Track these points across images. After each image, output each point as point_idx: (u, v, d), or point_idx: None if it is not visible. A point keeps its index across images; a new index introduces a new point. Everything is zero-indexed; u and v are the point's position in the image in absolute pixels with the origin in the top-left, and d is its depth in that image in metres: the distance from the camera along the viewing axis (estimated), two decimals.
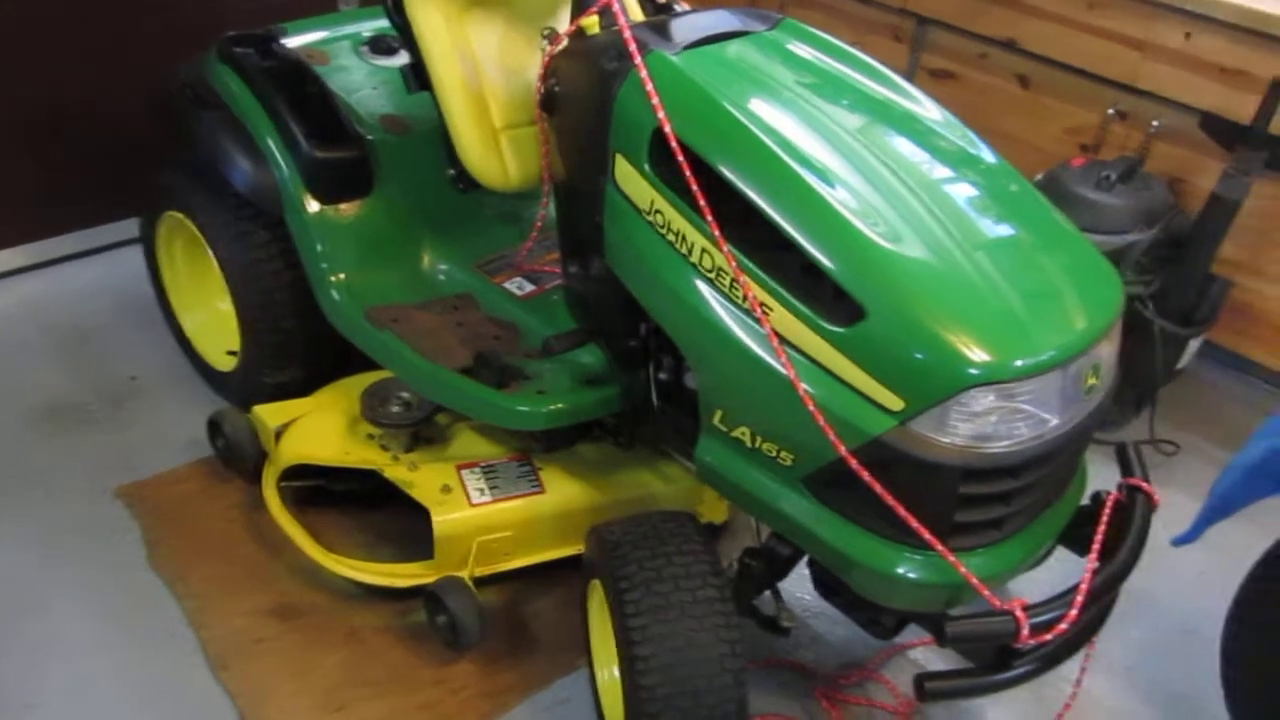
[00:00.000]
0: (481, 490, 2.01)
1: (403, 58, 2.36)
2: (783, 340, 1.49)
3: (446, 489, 2.00)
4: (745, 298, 1.50)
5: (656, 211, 1.61)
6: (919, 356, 1.39)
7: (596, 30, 1.77)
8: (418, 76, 2.03)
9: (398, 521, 2.12)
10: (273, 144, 2.09)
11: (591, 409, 1.91)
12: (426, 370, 1.97)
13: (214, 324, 2.45)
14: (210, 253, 2.26)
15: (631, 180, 1.64)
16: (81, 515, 2.18)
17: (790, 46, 1.78)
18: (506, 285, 2.16)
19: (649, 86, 1.58)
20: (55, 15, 2.65)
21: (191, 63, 2.31)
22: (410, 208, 2.18)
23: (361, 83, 2.26)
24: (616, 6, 1.68)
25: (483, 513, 1.98)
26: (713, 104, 1.58)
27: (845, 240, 1.45)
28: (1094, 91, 2.74)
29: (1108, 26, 2.67)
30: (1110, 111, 2.71)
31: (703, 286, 1.58)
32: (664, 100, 1.57)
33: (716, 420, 1.64)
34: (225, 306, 2.43)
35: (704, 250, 1.56)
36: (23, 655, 1.92)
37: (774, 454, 1.56)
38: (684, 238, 1.58)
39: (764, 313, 1.50)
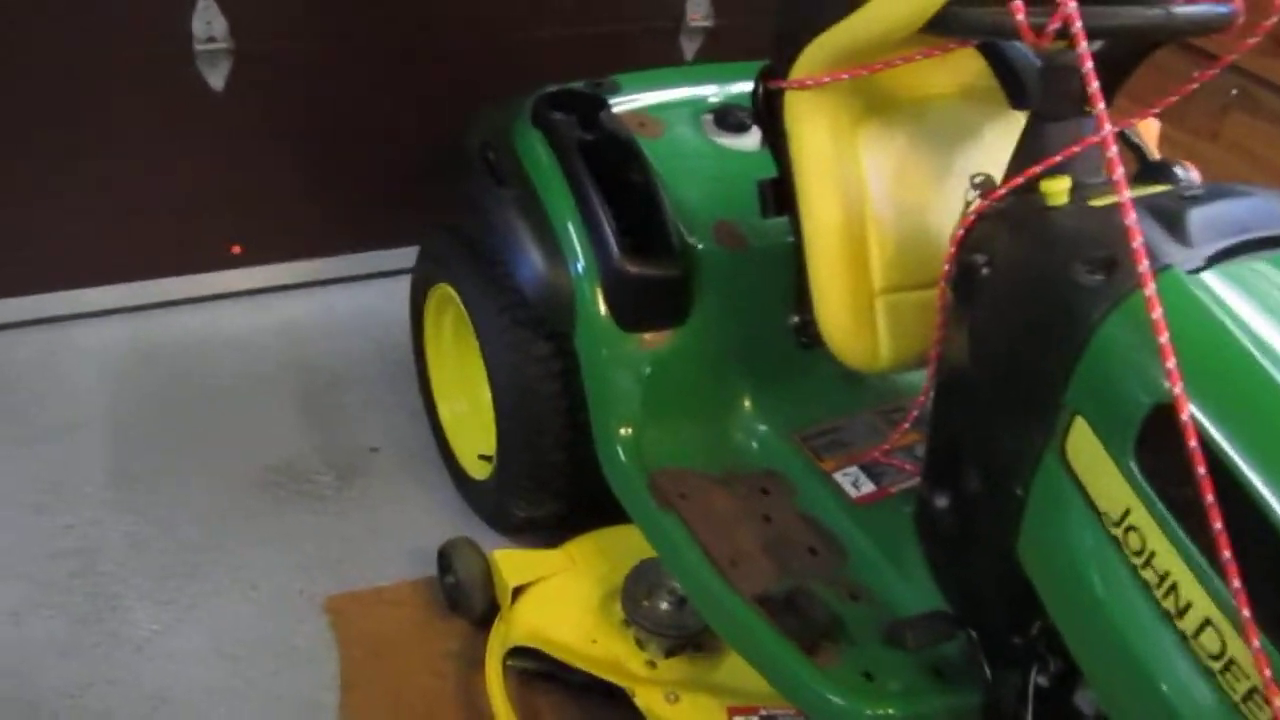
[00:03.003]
0: None
1: (753, 140, 1.87)
2: None
3: None
4: None
5: (1130, 529, 1.04)
6: None
7: (1063, 199, 1.20)
8: (778, 199, 1.53)
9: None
10: (576, 243, 1.65)
11: (940, 716, 1.36)
12: (711, 586, 1.48)
13: (473, 418, 2.06)
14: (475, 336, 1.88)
15: (1096, 466, 1.07)
16: (283, 624, 1.85)
17: None
18: (837, 477, 1.63)
19: (1163, 338, 1.00)
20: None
21: (491, 113, 1.91)
22: (729, 348, 1.69)
23: (697, 169, 1.78)
24: (1120, 175, 1.10)
25: None
26: (1263, 382, 0.99)
27: None
28: None
29: None
30: None
31: (1186, 669, 1.00)
32: (1185, 365, 0.99)
33: None
34: (488, 398, 2.05)
35: (1206, 623, 0.98)
36: None
37: None
38: (1172, 587, 1.00)
39: None
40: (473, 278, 1.81)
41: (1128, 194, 1.07)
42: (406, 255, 2.58)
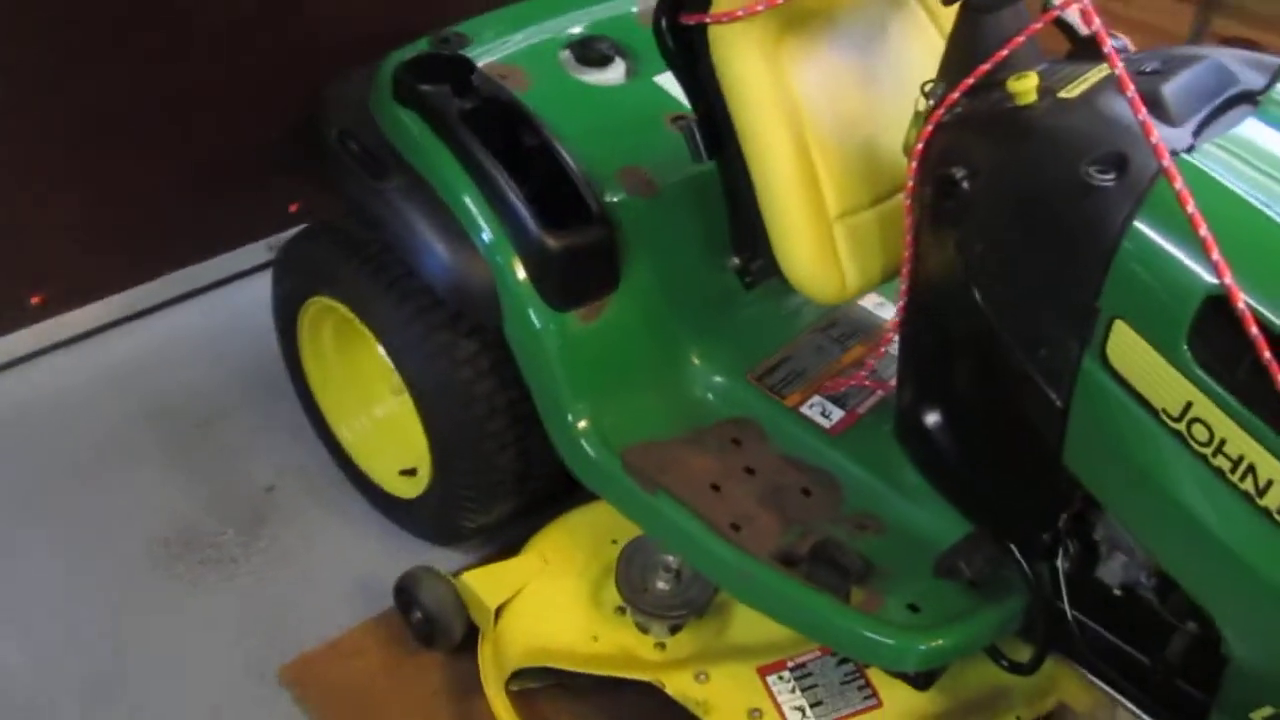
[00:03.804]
0: (802, 711, 1.47)
1: (618, 72, 1.74)
2: None
3: (756, 714, 1.46)
4: None
5: (1195, 420, 1.03)
6: None
7: (1033, 96, 1.15)
8: (710, 140, 1.41)
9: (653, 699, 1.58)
10: (485, 227, 1.48)
11: (991, 633, 1.35)
12: (730, 560, 1.40)
13: (381, 434, 1.87)
14: (382, 351, 1.69)
15: (1146, 366, 1.04)
16: (242, 714, 1.65)
17: None
18: (804, 410, 1.57)
19: (1203, 231, 0.98)
20: None
21: (336, 98, 1.68)
22: (667, 302, 1.58)
23: (579, 117, 1.62)
24: (1112, 47, 1.05)
25: None
26: None
27: None
28: None
29: None
30: None
31: (1276, 541, 1.01)
32: (1225, 251, 0.97)
33: (1260, 717, 1.10)
34: (396, 408, 1.87)
35: None
36: None
37: None
38: (1251, 469, 1.00)
39: None
40: (365, 286, 1.60)
41: (1131, 89, 1.03)
42: (221, 264, 2.35)
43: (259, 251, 2.37)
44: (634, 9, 1.83)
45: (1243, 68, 1.20)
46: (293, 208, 2.38)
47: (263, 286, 2.31)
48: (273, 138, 2.12)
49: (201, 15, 2.03)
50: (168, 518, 1.91)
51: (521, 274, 1.48)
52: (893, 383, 1.61)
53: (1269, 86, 1.18)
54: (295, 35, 2.09)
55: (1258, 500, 1.01)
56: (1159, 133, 1.03)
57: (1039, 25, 1.21)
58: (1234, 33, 2.42)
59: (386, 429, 1.87)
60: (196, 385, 2.15)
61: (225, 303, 2.32)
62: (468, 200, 1.49)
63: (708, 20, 1.27)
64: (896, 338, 1.43)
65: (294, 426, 2.02)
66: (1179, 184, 0.99)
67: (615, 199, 1.54)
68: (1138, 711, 1.29)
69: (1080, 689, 1.57)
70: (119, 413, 2.09)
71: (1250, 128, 1.11)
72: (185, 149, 2.14)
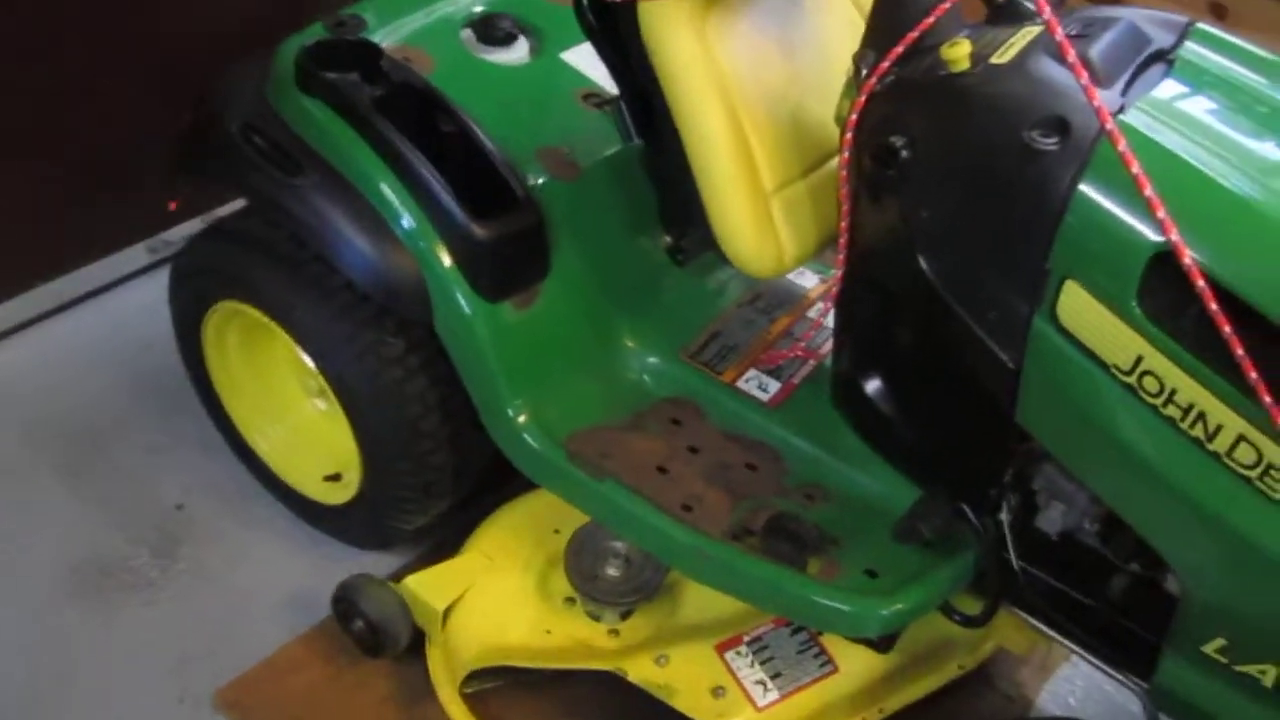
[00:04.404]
0: (764, 684, 1.48)
1: (521, 51, 1.69)
2: None
3: (720, 692, 1.47)
4: None
5: (1145, 373, 1.06)
6: None
7: (966, 64, 1.17)
8: (638, 119, 1.38)
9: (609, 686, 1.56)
10: (409, 220, 1.42)
11: (946, 591, 1.38)
12: (686, 542, 1.40)
13: (299, 441, 1.79)
14: (301, 353, 1.61)
15: (1097, 323, 1.07)
16: None
17: (1229, 73, 1.21)
18: (741, 385, 1.57)
19: (1148, 191, 1.01)
20: None
21: (231, 88, 1.58)
22: (597, 284, 1.55)
23: (489, 98, 1.56)
24: (1049, 16, 1.07)
25: (773, 716, 1.47)
26: (1236, 204, 1.04)
27: None
28: None
29: None
30: None
31: (1232, 486, 1.06)
32: (1169, 209, 1.01)
33: (1211, 649, 1.15)
34: (314, 413, 1.79)
35: (1241, 439, 1.03)
36: None
37: None
38: (1201, 416, 1.04)
39: None
40: (282, 287, 1.52)
41: (1073, 55, 1.05)
42: (99, 271, 2.21)
43: (139, 254, 2.24)
44: None
45: (1152, 27, 1.24)
46: (172, 205, 2.24)
47: (146, 291, 2.21)
48: (148, 133, 2.00)
49: (68, 4, 1.89)
50: (73, 544, 1.80)
51: (451, 266, 1.43)
52: (824, 350, 1.63)
53: (1176, 45, 1.23)
54: (170, 23, 1.97)
55: (1207, 445, 1.06)
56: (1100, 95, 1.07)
57: None
58: None
59: (305, 435, 1.79)
60: (83, 401, 2.02)
61: (106, 311, 2.19)
62: (388, 192, 1.42)
63: None
64: (830, 309, 1.44)
65: (198, 439, 1.92)
66: (1123, 145, 1.02)
67: (538, 182, 1.50)
68: (1087, 655, 1.34)
69: (1017, 632, 1.63)
70: (15, 431, 1.95)
71: (1169, 87, 1.15)
72: (55, 149, 2.00)
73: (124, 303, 2.20)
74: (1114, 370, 1.09)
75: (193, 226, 2.25)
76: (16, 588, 1.73)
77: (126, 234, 2.20)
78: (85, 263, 2.16)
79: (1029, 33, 1.22)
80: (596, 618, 1.57)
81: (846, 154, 1.25)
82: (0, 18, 1.83)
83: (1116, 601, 1.31)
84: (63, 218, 2.07)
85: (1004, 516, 1.34)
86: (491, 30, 1.68)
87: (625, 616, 1.58)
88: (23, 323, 2.11)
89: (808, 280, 1.76)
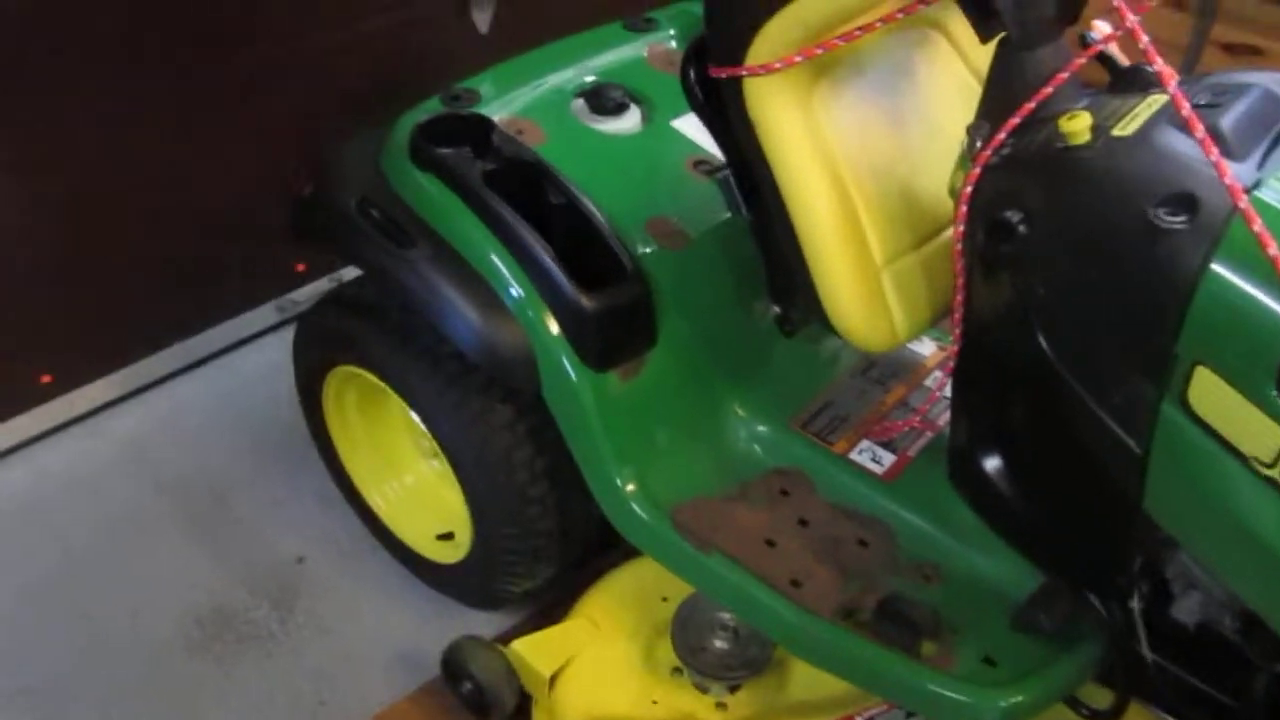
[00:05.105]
0: None
1: (633, 120, 1.70)
2: None
3: None
4: None
5: None
6: None
7: (1087, 136, 1.12)
8: (745, 192, 1.38)
9: None
10: (518, 292, 1.45)
11: (1070, 683, 1.31)
12: (793, 620, 1.37)
13: (414, 499, 1.83)
14: (414, 416, 1.65)
15: (1233, 411, 1.01)
16: None
17: None
18: (853, 456, 1.54)
19: None
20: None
21: (346, 162, 1.64)
22: (705, 353, 1.54)
23: (601, 169, 1.58)
24: (1175, 89, 1.02)
25: None
26: None
27: None
28: None
29: None
30: None
31: None
32: None
33: None
34: (428, 473, 1.83)
35: None
36: None
37: None
38: None
39: None
40: (395, 355, 1.56)
41: (1201, 130, 1.00)
42: (228, 330, 2.30)
43: (268, 313, 2.33)
44: (643, 53, 1.80)
45: None
46: (300, 267, 2.34)
47: (272, 350, 2.30)
48: (276, 196, 2.08)
49: (201, 79, 2.00)
50: (197, 597, 1.86)
51: (558, 336, 1.44)
52: (942, 422, 1.58)
53: None
54: (295, 95, 2.05)
55: None
56: (1231, 171, 1.01)
57: (1082, 60, 1.19)
58: (1234, 39, 2.41)
59: (420, 494, 1.83)
60: (210, 457, 2.09)
61: (235, 369, 2.27)
62: (498, 264, 1.45)
63: (743, 74, 1.24)
64: (947, 379, 1.40)
65: (318, 494, 1.98)
66: (1258, 225, 0.96)
67: (647, 251, 1.50)
68: None
69: None
70: (132, 491, 2.03)
71: None
72: (187, 215, 2.10)
73: (252, 361, 2.28)
74: (1253, 462, 1.02)
75: (320, 286, 2.36)
76: (142, 636, 1.80)
77: (255, 294, 2.29)
78: (215, 323, 2.25)
79: (1154, 101, 1.17)
80: (704, 690, 1.55)
81: (961, 228, 1.21)
82: (134, 88, 1.94)
83: (1257, 702, 1.22)
84: (195, 280, 2.17)
85: (1134, 605, 1.27)
86: (603, 100, 1.69)
87: (734, 689, 1.55)
88: (155, 380, 2.21)
89: (925, 348, 1.71)
